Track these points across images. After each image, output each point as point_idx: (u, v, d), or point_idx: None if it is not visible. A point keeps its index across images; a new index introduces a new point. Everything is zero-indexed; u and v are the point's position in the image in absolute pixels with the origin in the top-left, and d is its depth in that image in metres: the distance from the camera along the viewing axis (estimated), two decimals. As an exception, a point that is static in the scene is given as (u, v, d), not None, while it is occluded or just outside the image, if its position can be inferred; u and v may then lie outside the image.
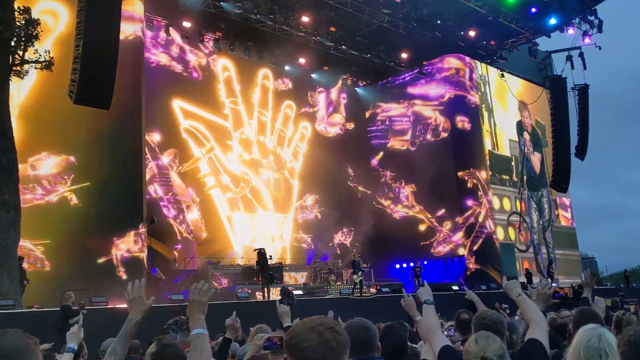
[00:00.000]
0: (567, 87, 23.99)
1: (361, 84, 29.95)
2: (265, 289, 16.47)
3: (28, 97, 15.81)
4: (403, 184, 27.82)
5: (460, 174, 25.92)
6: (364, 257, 20.71)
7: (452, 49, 26.02)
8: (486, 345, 2.33)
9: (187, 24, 22.43)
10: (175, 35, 22.81)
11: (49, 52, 12.66)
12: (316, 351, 1.67)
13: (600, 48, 24.98)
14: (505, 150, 28.12)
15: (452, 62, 26.80)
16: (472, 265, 25.04)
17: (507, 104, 29.08)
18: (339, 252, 26.17)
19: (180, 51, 23.16)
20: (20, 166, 12.29)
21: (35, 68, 12.56)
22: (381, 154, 29.04)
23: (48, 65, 12.40)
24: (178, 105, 22.76)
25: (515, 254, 26.32)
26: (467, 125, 26.23)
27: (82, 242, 15.58)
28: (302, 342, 1.68)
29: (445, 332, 3.75)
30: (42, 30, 12.56)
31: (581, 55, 25.34)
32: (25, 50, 12.19)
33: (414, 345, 4.11)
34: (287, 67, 26.76)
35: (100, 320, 8.26)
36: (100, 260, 16.01)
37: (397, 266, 26.83)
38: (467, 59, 26.71)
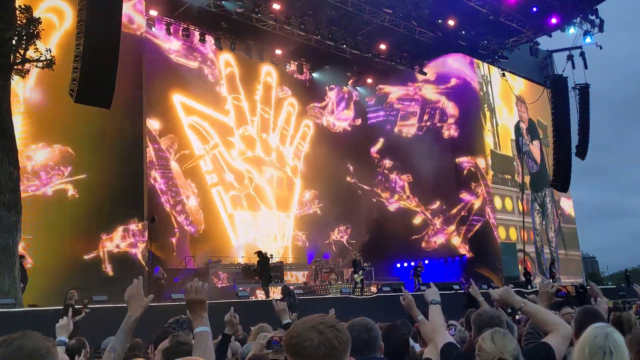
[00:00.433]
0: (568, 86, 23.98)
1: (363, 82, 29.90)
2: (266, 289, 16.45)
3: (33, 92, 15.82)
4: (400, 174, 27.95)
5: (458, 160, 26.16)
6: (362, 255, 20.70)
7: (453, 48, 25.99)
8: (503, 345, 2.28)
9: (187, 23, 22.40)
10: (176, 33, 22.75)
11: (50, 51, 12.63)
12: (318, 350, 1.63)
13: (601, 47, 24.99)
14: (507, 150, 28.06)
15: (452, 62, 26.81)
16: (468, 254, 25.24)
17: (512, 104, 29.04)
18: (334, 250, 26.12)
19: (182, 48, 23.13)
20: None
21: (37, 67, 12.55)
22: (381, 141, 28.90)
23: (49, 64, 12.37)
24: (179, 100, 22.71)
25: (516, 254, 26.28)
26: (470, 117, 26.37)
27: (77, 236, 15.60)
28: (303, 342, 1.65)
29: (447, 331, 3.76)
30: (43, 29, 12.52)
31: (582, 54, 25.36)
32: (26, 49, 12.18)
33: (414, 345, 4.12)
34: (287, 66, 26.73)
35: (100, 320, 8.25)
36: (99, 256, 16.04)
37: (398, 265, 26.82)
38: (468, 58, 26.71)
